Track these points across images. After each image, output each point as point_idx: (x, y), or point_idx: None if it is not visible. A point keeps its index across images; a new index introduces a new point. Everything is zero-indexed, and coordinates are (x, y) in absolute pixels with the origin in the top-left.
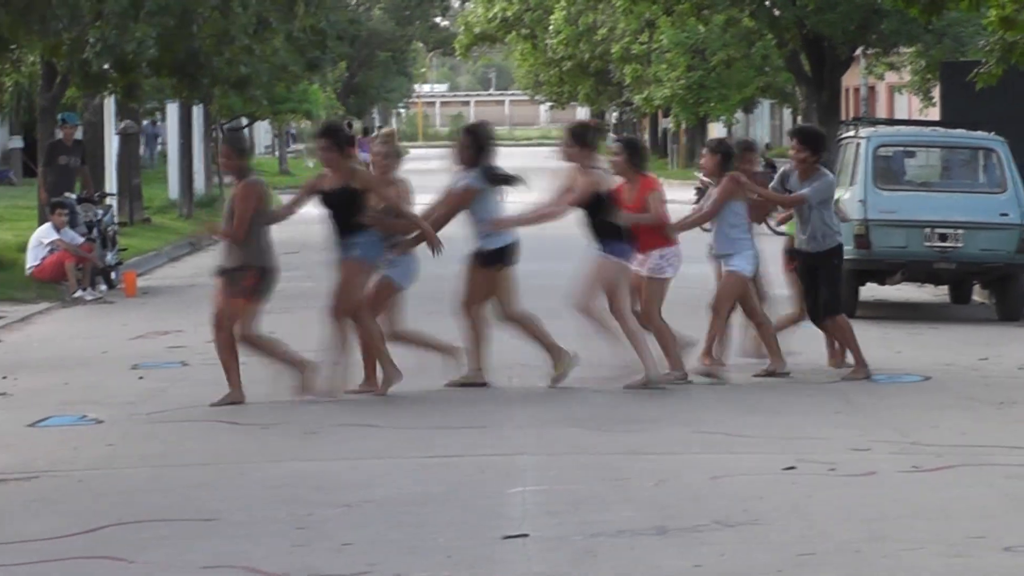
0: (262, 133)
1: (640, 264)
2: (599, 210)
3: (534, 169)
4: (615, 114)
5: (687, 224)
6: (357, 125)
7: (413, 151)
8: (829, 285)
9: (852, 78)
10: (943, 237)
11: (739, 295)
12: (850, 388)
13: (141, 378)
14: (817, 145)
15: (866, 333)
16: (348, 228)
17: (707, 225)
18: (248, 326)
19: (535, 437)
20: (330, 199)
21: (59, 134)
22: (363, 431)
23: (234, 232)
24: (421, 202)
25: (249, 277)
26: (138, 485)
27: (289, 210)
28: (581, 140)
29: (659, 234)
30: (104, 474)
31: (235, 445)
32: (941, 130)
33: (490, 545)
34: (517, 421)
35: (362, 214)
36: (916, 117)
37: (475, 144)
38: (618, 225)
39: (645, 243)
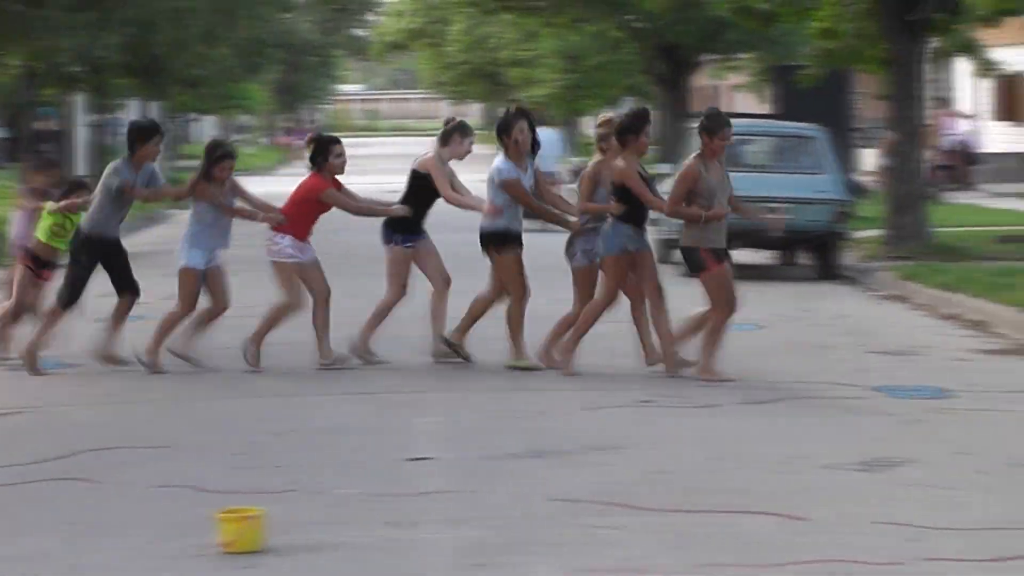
0: (208, 127)
1: None
2: None
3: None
4: (503, 110)
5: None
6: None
7: None
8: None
9: (700, 79)
10: (774, 211)
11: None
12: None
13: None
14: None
15: None
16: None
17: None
18: None
19: (436, 376)
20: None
21: (38, 125)
22: (298, 374)
23: None
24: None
25: None
26: (104, 419)
27: None
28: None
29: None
30: (74, 409)
31: (186, 385)
32: (772, 121)
33: (398, 466)
34: (424, 364)
35: None
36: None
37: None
38: None
39: None
